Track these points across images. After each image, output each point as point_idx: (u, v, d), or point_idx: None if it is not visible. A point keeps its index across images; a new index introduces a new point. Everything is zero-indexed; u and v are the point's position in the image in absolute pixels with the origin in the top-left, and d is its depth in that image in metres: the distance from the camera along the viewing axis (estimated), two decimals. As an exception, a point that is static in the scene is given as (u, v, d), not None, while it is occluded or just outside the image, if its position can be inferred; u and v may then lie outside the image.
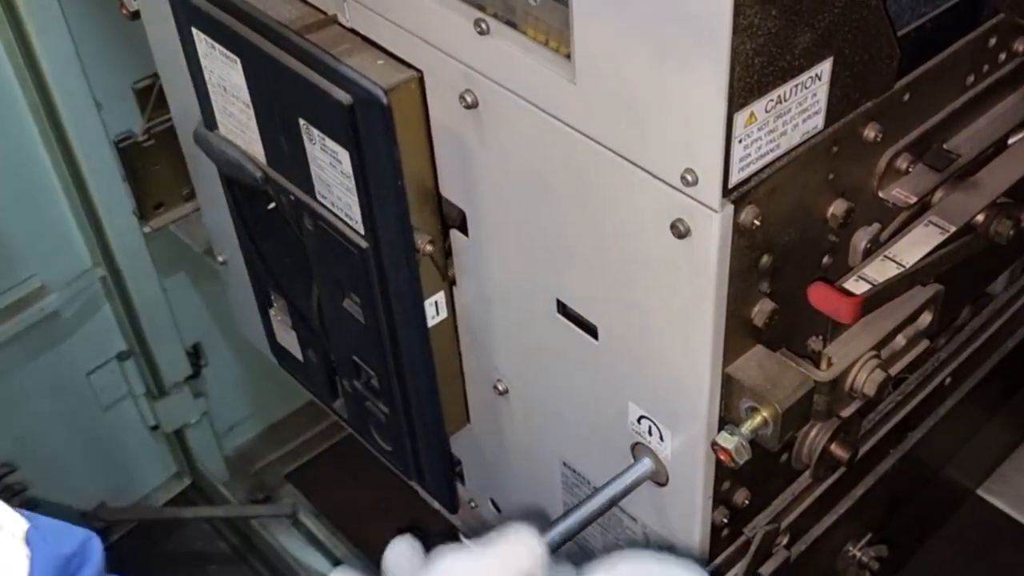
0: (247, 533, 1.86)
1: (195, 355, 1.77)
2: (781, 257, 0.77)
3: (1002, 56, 0.86)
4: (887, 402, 0.97)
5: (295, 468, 1.93)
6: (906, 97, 0.79)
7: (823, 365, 0.81)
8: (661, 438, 0.86)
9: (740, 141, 0.68)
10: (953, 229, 0.82)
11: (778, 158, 0.72)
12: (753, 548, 0.87)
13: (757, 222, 0.72)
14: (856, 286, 0.79)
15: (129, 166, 1.42)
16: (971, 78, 0.85)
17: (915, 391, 0.98)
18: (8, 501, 1.59)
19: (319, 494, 1.88)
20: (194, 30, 0.90)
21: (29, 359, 1.60)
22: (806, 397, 0.79)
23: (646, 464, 0.88)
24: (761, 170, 0.71)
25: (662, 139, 0.70)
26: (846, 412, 0.84)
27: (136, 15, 1.16)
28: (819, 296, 0.76)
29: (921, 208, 0.84)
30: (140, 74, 1.38)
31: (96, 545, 0.82)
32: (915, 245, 0.81)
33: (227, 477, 1.91)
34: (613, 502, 0.87)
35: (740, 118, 0.67)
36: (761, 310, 0.78)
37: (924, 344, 0.87)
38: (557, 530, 0.85)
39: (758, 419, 0.80)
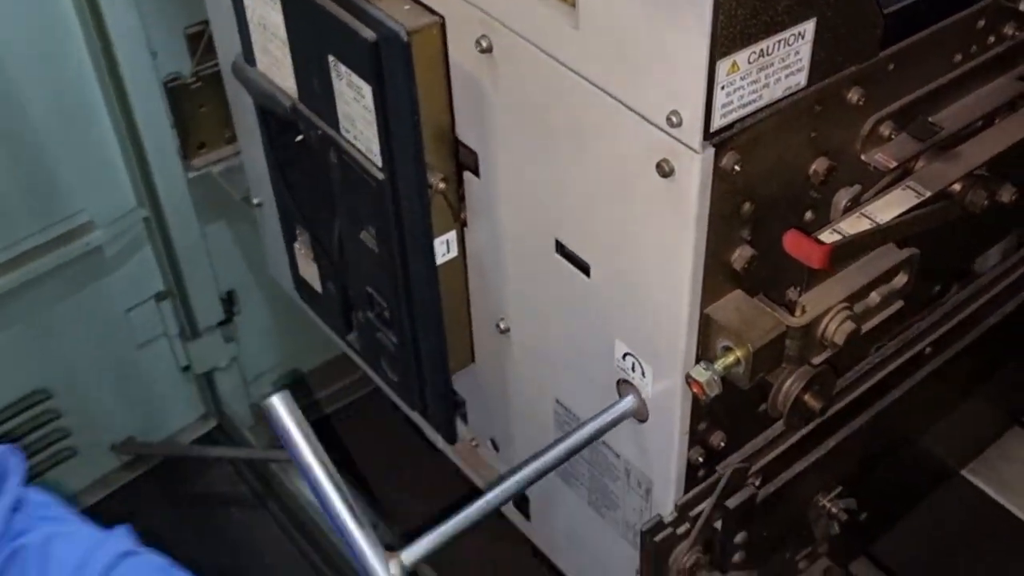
0: (267, 477, 1.93)
1: (228, 302, 1.84)
2: (763, 207, 0.83)
3: (991, 38, 0.91)
4: (865, 362, 1.02)
5: (316, 419, 2.00)
6: (891, 67, 0.84)
7: (797, 312, 0.86)
8: (643, 374, 0.92)
9: (723, 88, 0.74)
10: (928, 194, 0.86)
11: (760, 109, 0.77)
12: (722, 484, 0.92)
13: (737, 168, 0.78)
14: (830, 238, 0.84)
15: (176, 106, 1.50)
16: (958, 56, 0.90)
17: (894, 356, 1.03)
18: (40, 428, 1.69)
19: (338, 445, 1.94)
20: (239, -31, 0.97)
21: (71, 291, 1.67)
22: (778, 340, 0.85)
23: (629, 401, 0.94)
24: (743, 119, 0.77)
25: (651, 82, 0.76)
26: (817, 360, 0.89)
27: (189, -38, 1.23)
28: (792, 242, 0.81)
29: (903, 175, 0.89)
30: (192, 20, 1.45)
31: (17, 457, 0.88)
32: (890, 205, 0.86)
33: (252, 423, 1.98)
34: (597, 435, 0.93)
35: (723, 66, 0.73)
36: (741, 255, 0.84)
37: (898, 304, 0.92)
38: (544, 459, 0.90)
39: (731, 358, 0.85)
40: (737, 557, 0.98)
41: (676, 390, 0.89)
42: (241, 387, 1.95)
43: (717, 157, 0.76)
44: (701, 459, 0.95)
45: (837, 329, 0.86)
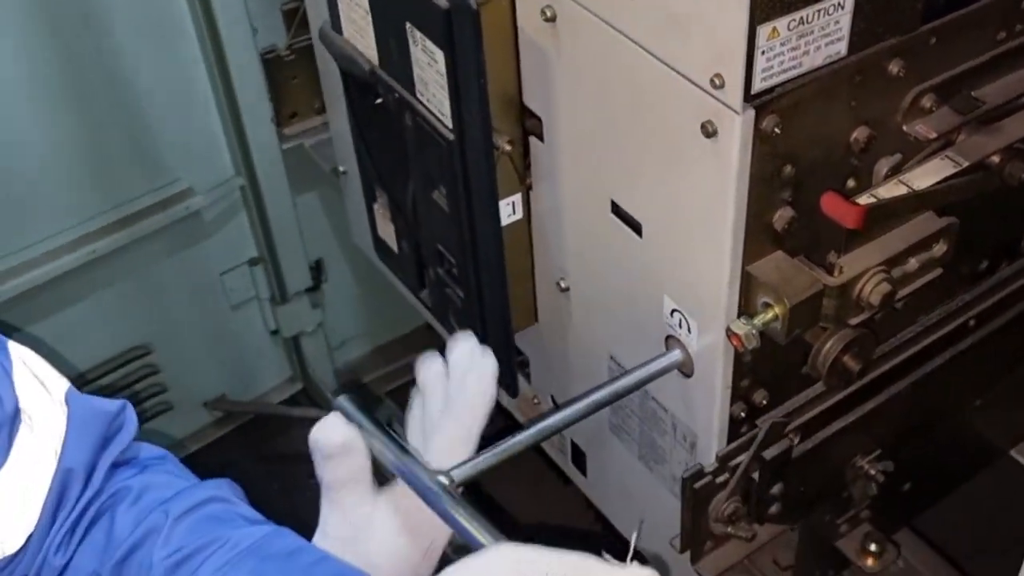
0: (348, 439, 2.02)
1: (316, 270, 1.93)
2: (804, 170, 0.87)
3: (1035, 17, 0.94)
4: (908, 330, 1.06)
5: (395, 387, 2.08)
6: (933, 41, 0.88)
7: (835, 272, 0.90)
8: (689, 330, 0.97)
9: (763, 53, 0.79)
10: (966, 164, 0.90)
11: (800, 76, 0.82)
12: (760, 436, 0.97)
13: (778, 130, 0.83)
14: (866, 202, 0.88)
15: (270, 77, 1.60)
16: (1002, 34, 0.93)
17: (936, 326, 1.06)
18: (142, 381, 1.79)
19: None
20: (329, -56, 1.04)
21: (172, 253, 1.78)
22: (815, 297, 0.89)
23: (675, 354, 0.99)
24: (783, 84, 0.81)
25: (697, 47, 0.81)
26: (855, 320, 0.93)
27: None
28: (829, 203, 0.86)
29: (943, 146, 0.93)
30: (287, -2, 1.56)
31: (132, 412, 0.93)
32: (928, 174, 0.90)
33: (335, 386, 2.07)
34: (643, 382, 0.99)
35: (763, 31, 0.78)
36: (782, 216, 0.89)
37: (936, 272, 0.95)
38: (592, 398, 0.96)
39: (770, 314, 0.90)
40: (774, 509, 1.02)
41: (719, 345, 0.94)
42: (325, 352, 2.04)
43: (758, 119, 0.81)
44: (743, 414, 1.00)
45: (873, 290, 0.90)
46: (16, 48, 1.46)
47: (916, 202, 0.89)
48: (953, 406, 1.15)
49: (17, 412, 0.83)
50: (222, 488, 0.89)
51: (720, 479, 1.00)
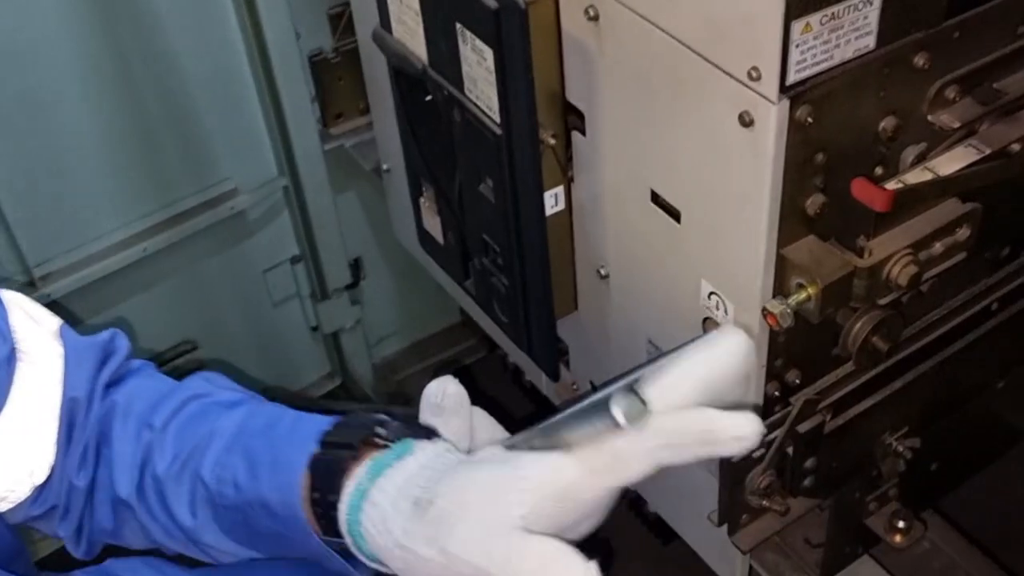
0: (385, 433, 2.08)
1: (355, 268, 1.99)
2: (835, 158, 0.92)
3: (1055, 13, 0.99)
4: (933, 312, 1.10)
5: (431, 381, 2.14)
6: (956, 35, 0.93)
7: (864, 255, 0.95)
8: (726, 312, 1.02)
9: (797, 46, 0.84)
10: (989, 151, 0.95)
11: (832, 68, 0.87)
12: (794, 412, 1.02)
13: (811, 120, 0.88)
14: (893, 186, 0.93)
15: (317, 79, 1.66)
16: (1022, 28, 0.98)
17: (961, 308, 1.11)
18: (188, 376, 1.84)
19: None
20: (381, -52, 1.10)
21: (217, 251, 1.84)
22: (846, 278, 0.94)
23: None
24: (816, 76, 0.86)
25: (735, 42, 0.86)
26: (884, 300, 0.98)
27: (334, -53, 1.38)
28: (859, 187, 0.90)
29: (967, 135, 0.98)
30: (334, 2, 1.62)
31: (123, 338, 0.99)
32: (952, 160, 0.95)
33: (373, 382, 2.12)
34: (681, 362, 1.04)
35: (797, 26, 0.83)
36: (814, 202, 0.94)
37: (961, 256, 1.00)
38: (631, 376, 1.01)
39: (804, 294, 0.95)
40: (807, 482, 1.07)
41: (754, 324, 0.99)
42: (364, 348, 2.10)
43: (792, 109, 0.86)
44: (777, 393, 1.05)
45: (901, 271, 0.95)
46: (69, 50, 1.52)
47: (941, 187, 0.93)
48: (977, 387, 1.19)
49: (14, 351, 0.89)
50: (196, 383, 0.97)
51: (756, 454, 1.05)
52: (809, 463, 1.06)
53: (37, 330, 0.93)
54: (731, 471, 1.04)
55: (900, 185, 0.93)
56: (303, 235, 1.90)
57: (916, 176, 0.94)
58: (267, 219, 1.87)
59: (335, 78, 1.65)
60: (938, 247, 0.98)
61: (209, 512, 0.90)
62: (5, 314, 0.91)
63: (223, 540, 0.92)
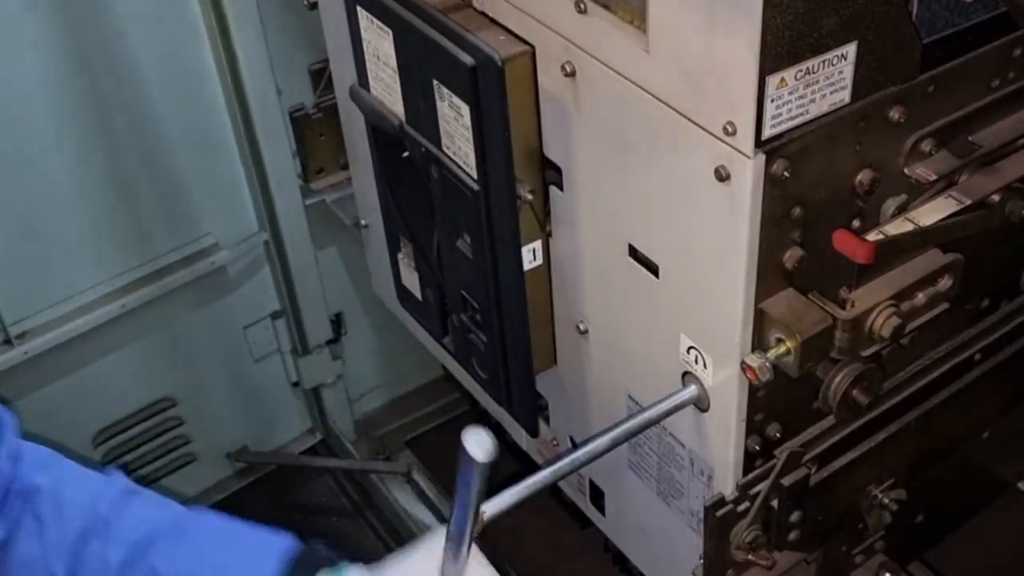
0: (367, 488, 2.05)
1: (337, 323, 1.97)
2: (812, 212, 0.91)
3: (1027, 66, 0.99)
4: (917, 363, 1.09)
5: (413, 436, 2.11)
6: (931, 89, 0.92)
7: (847, 307, 0.94)
8: (705, 366, 1.00)
9: (772, 101, 0.83)
10: (968, 202, 0.94)
11: (807, 122, 0.86)
12: (779, 465, 1.00)
13: (787, 174, 0.87)
14: (875, 238, 0.92)
15: (299, 134, 1.65)
16: (996, 82, 0.97)
17: (944, 358, 1.10)
18: (167, 432, 1.82)
19: (432, 459, 2.05)
20: (358, 8, 1.09)
21: (197, 307, 1.81)
22: (825, 332, 0.93)
23: (692, 390, 1.03)
24: (792, 130, 0.86)
25: (710, 97, 0.85)
26: (866, 352, 0.97)
27: (314, 5, 1.37)
28: (840, 239, 0.90)
29: (947, 186, 0.97)
30: (315, 59, 1.60)
31: (8, 413, 0.97)
32: (932, 211, 0.94)
33: (354, 437, 2.09)
34: (661, 417, 1.02)
35: (772, 81, 0.82)
36: (792, 256, 0.93)
37: (943, 306, 0.99)
38: (612, 433, 0.99)
39: (783, 348, 0.94)
40: (793, 536, 1.05)
41: (734, 379, 0.97)
42: (345, 403, 2.07)
43: (768, 163, 0.86)
44: (758, 447, 1.03)
45: (884, 323, 0.94)
46: (47, 102, 1.51)
47: (922, 238, 0.93)
48: (961, 437, 1.18)
49: None
50: (124, 478, 0.97)
51: (741, 507, 1.03)
52: (795, 516, 1.04)
53: None
54: (716, 525, 1.02)
55: (881, 236, 0.92)
56: (284, 290, 1.88)
57: (897, 227, 0.93)
58: (248, 274, 1.85)
59: (316, 134, 1.64)
60: (921, 297, 0.97)
61: None
62: None
63: None
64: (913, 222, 0.93)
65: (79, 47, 1.50)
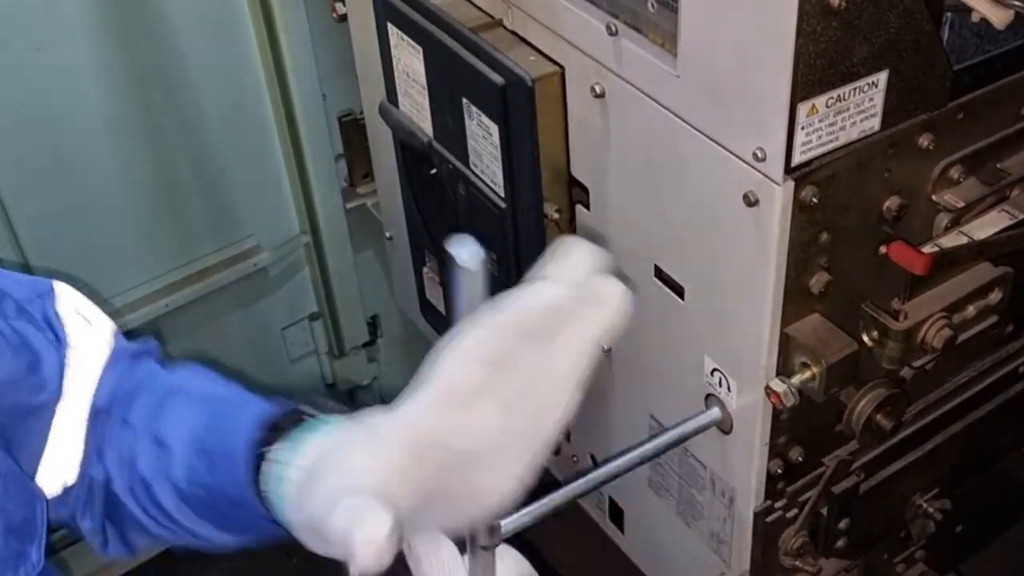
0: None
1: (373, 326, 1.93)
2: (840, 237, 0.86)
3: (1059, 94, 0.93)
4: (962, 375, 1.04)
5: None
6: (960, 116, 0.87)
7: (900, 318, 0.89)
8: (729, 389, 0.95)
9: (803, 128, 0.78)
10: (1021, 216, 0.90)
11: (837, 149, 0.81)
12: (828, 473, 0.96)
13: (815, 200, 0.82)
14: (930, 251, 0.87)
15: (346, 139, 1.60)
16: (1025, 109, 0.92)
17: (989, 371, 1.06)
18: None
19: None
20: (389, 25, 1.05)
21: (238, 307, 1.78)
22: (851, 358, 0.88)
23: (715, 412, 0.98)
24: (821, 156, 0.81)
25: (741, 122, 0.80)
26: (918, 363, 0.93)
27: (343, 18, 1.33)
28: (897, 251, 0.86)
29: (1000, 200, 0.92)
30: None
31: (155, 343, 0.92)
32: (986, 225, 0.90)
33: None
34: (683, 439, 0.97)
35: (803, 108, 0.77)
36: (819, 280, 0.87)
37: (993, 319, 0.94)
38: (633, 454, 0.95)
39: (808, 373, 0.89)
40: (840, 543, 1.02)
41: (758, 403, 0.92)
42: (380, 406, 2.03)
43: (797, 189, 0.81)
44: (780, 471, 0.98)
45: (936, 335, 0.90)
46: (99, 109, 1.47)
47: (976, 251, 0.89)
48: (1004, 449, 1.14)
49: (65, 344, 0.83)
50: (175, 375, 0.87)
51: (790, 514, 0.99)
52: (843, 524, 1.01)
53: (87, 329, 0.87)
54: (764, 531, 0.98)
55: (936, 249, 0.87)
56: (322, 292, 1.84)
57: (951, 240, 0.89)
58: (287, 276, 1.82)
59: (363, 138, 1.59)
60: (971, 310, 0.93)
61: (194, 511, 0.85)
62: (55, 308, 0.85)
63: (218, 534, 0.86)
64: (967, 235, 0.89)
65: (130, 53, 1.46)
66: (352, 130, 1.61)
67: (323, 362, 1.94)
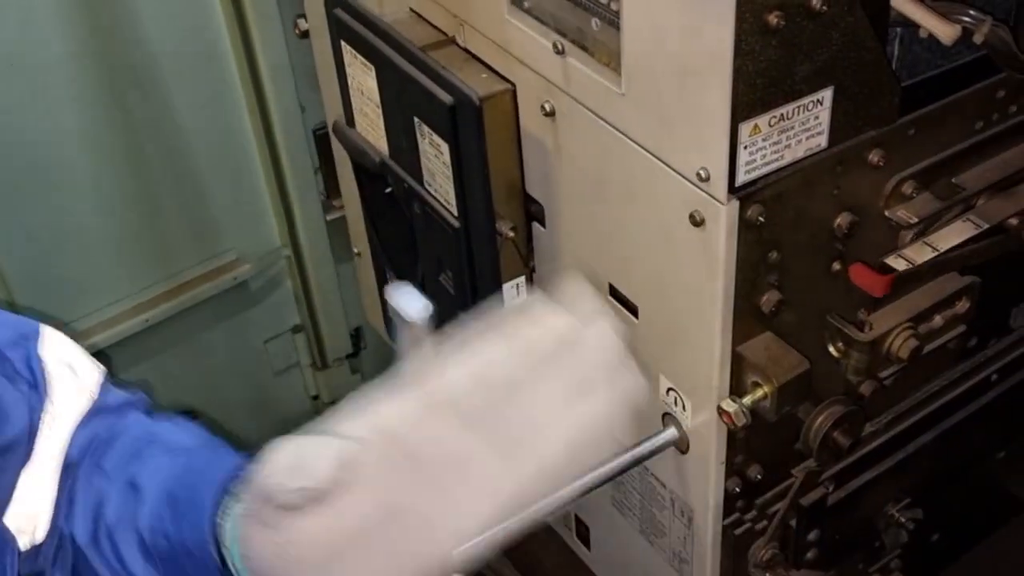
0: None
1: (356, 337, 1.90)
2: (789, 256, 0.83)
3: (1012, 108, 0.89)
4: (934, 384, 1.01)
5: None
6: (912, 132, 0.84)
7: (865, 329, 0.86)
8: (684, 408, 0.92)
9: (745, 147, 0.75)
10: (986, 226, 0.87)
11: (783, 167, 0.78)
12: (796, 484, 0.93)
13: (762, 219, 0.78)
14: (895, 262, 0.85)
15: (321, 152, 1.57)
16: (979, 124, 0.88)
17: (961, 379, 1.03)
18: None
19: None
20: (342, 43, 1.02)
21: (220, 320, 1.74)
22: (802, 377, 0.84)
23: (671, 432, 0.94)
24: (767, 175, 0.77)
25: (684, 141, 0.77)
26: (885, 374, 0.91)
27: (305, 34, 1.30)
28: (857, 273, 0.84)
29: (965, 209, 0.89)
30: (340, 78, 1.53)
31: (143, 395, 0.88)
32: (951, 235, 0.87)
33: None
34: (640, 459, 0.94)
35: (745, 128, 0.74)
36: (769, 299, 0.84)
37: (960, 329, 0.91)
38: (591, 475, 0.91)
39: (759, 392, 0.85)
40: (810, 555, 0.99)
41: (712, 422, 0.89)
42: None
43: (742, 209, 0.77)
44: (738, 489, 0.95)
45: (903, 345, 0.87)
46: (76, 118, 1.44)
47: (938, 268, 0.87)
48: (977, 457, 1.10)
49: (41, 400, 0.79)
50: (157, 426, 0.84)
51: (759, 526, 0.96)
52: (812, 535, 0.98)
53: (71, 381, 0.84)
54: (733, 542, 0.95)
55: (901, 260, 0.84)
56: (304, 305, 1.81)
57: (917, 251, 0.86)
58: (269, 289, 1.78)
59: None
60: (938, 320, 0.90)
61: (155, 568, 0.81)
62: (38, 352, 0.81)
63: None
64: (932, 246, 0.86)
65: (109, 67, 1.43)
66: (327, 144, 1.58)
67: (307, 374, 1.91)
